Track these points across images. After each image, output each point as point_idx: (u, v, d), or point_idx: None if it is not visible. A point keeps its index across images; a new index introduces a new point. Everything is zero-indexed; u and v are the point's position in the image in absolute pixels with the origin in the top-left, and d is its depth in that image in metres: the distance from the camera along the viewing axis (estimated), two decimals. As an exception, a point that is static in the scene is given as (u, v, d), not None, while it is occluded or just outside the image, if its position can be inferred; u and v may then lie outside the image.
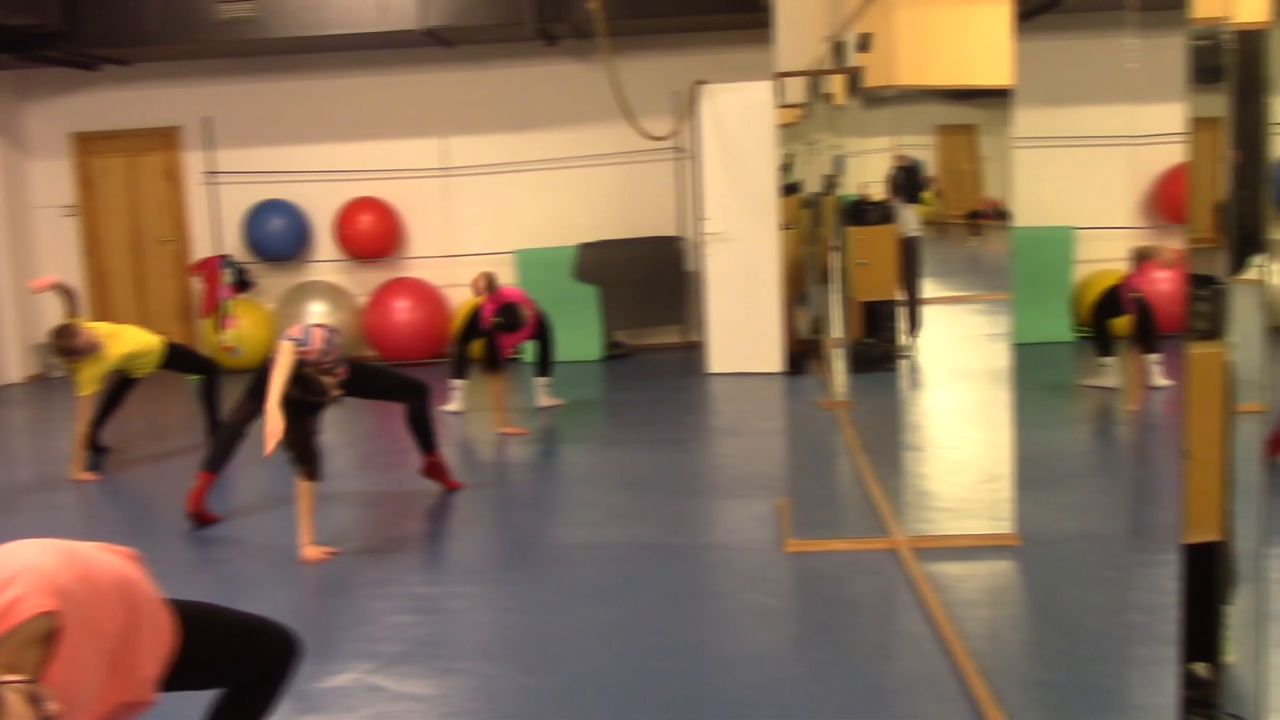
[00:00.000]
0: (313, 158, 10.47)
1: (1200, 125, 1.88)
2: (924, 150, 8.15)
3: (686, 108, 9.46)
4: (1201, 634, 2.00)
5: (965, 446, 6.10)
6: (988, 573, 4.49)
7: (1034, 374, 8.04)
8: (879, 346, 7.58)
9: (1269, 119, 1.77)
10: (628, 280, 9.93)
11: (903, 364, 7.67)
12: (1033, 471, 5.32)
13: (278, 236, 10.32)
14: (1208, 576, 1.95)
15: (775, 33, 6.03)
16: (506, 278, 10.12)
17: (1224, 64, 1.78)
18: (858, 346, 7.68)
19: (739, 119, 8.79)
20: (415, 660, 3.93)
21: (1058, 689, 3.50)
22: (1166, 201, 8.03)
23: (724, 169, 8.93)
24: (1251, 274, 1.90)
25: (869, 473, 5.82)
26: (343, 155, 10.47)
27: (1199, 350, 1.87)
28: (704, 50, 9.94)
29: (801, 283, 9.07)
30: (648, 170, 10.31)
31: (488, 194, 10.48)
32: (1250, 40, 1.77)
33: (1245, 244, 1.85)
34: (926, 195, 8.38)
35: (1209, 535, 1.90)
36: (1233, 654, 2.15)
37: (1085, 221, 9.67)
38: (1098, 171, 9.71)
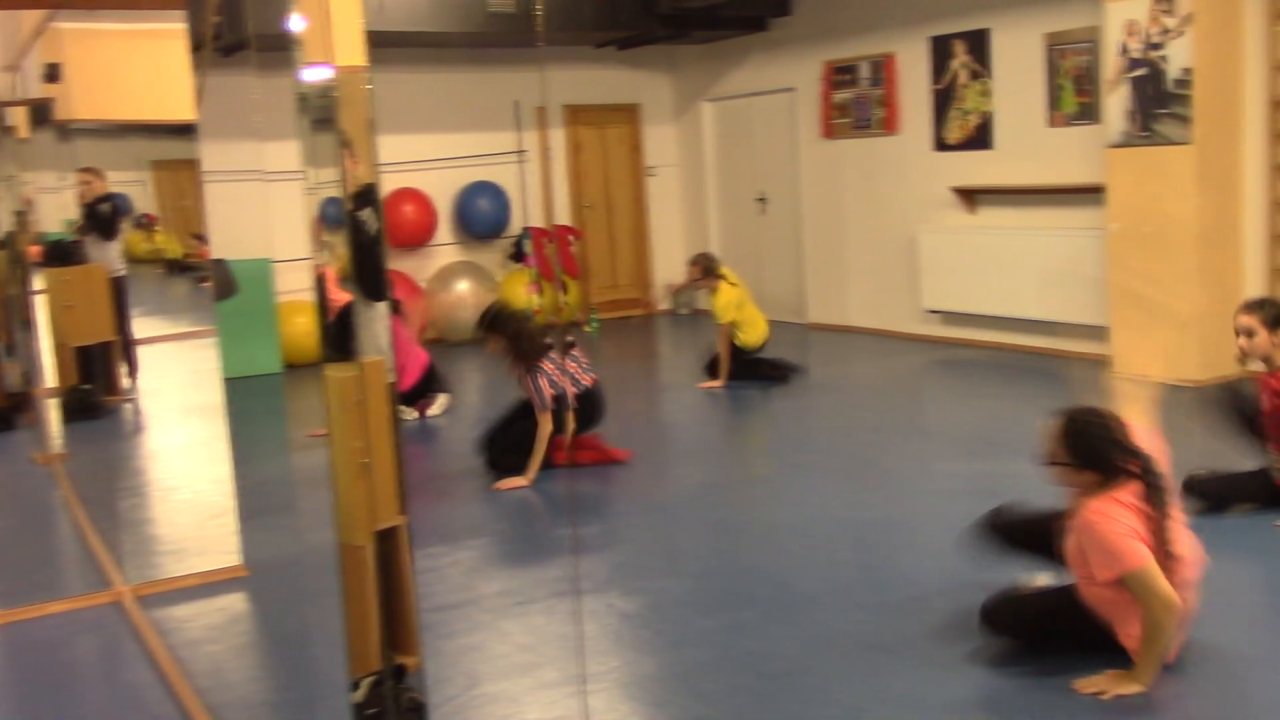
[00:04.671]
0: None
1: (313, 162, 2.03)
2: (137, 186, 7.87)
3: None
4: (385, 631, 2.16)
5: (192, 484, 6.00)
6: (216, 608, 4.46)
7: (252, 405, 8.12)
8: (96, 392, 7.20)
9: (374, 154, 1.96)
10: None
11: (125, 407, 7.36)
12: (259, 501, 5.39)
13: None
14: (364, 578, 2.11)
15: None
16: None
17: (332, 104, 1.94)
18: (73, 394, 7.24)
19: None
20: None
21: (285, 706, 3.58)
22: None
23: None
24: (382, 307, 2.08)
25: (89, 526, 5.52)
26: None
27: (336, 372, 2.01)
28: None
29: (6, 331, 8.34)
30: None
31: None
32: (350, 82, 1.95)
33: (372, 273, 2.03)
34: (138, 233, 8.12)
35: (363, 540, 2.06)
36: (413, 650, 2.35)
37: (281, 254, 9.82)
38: (286, 204, 10.00)
